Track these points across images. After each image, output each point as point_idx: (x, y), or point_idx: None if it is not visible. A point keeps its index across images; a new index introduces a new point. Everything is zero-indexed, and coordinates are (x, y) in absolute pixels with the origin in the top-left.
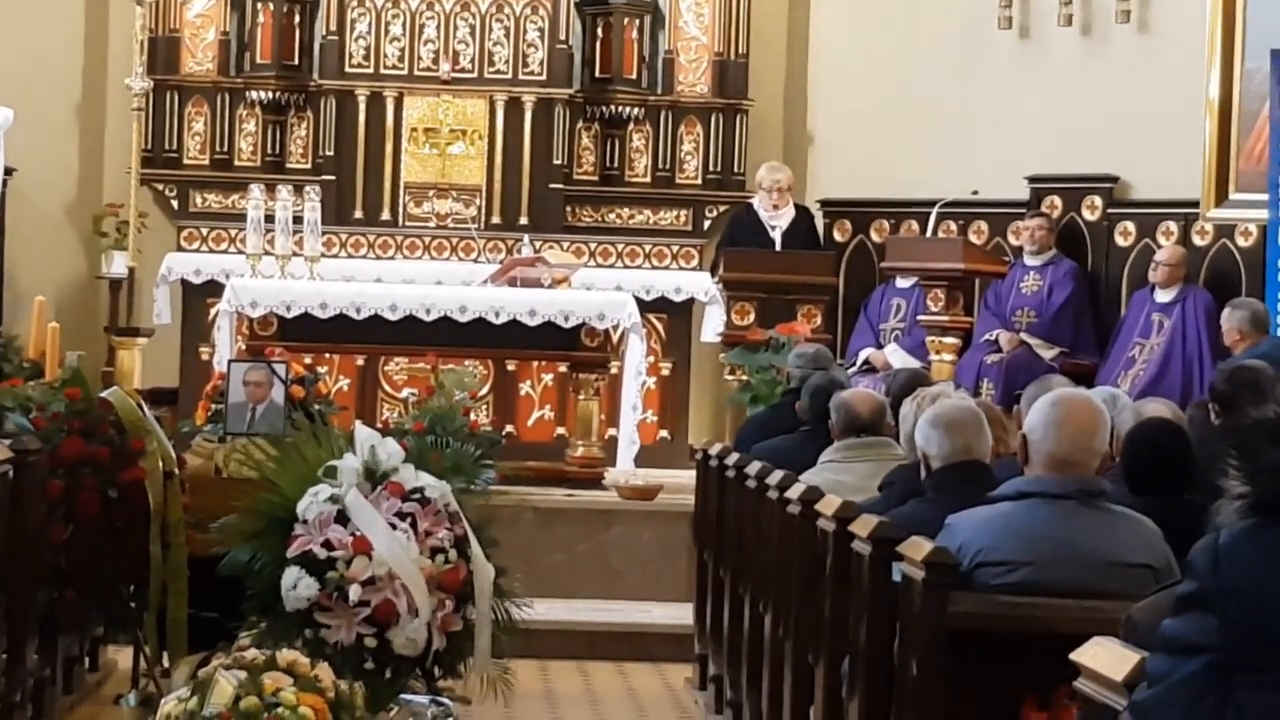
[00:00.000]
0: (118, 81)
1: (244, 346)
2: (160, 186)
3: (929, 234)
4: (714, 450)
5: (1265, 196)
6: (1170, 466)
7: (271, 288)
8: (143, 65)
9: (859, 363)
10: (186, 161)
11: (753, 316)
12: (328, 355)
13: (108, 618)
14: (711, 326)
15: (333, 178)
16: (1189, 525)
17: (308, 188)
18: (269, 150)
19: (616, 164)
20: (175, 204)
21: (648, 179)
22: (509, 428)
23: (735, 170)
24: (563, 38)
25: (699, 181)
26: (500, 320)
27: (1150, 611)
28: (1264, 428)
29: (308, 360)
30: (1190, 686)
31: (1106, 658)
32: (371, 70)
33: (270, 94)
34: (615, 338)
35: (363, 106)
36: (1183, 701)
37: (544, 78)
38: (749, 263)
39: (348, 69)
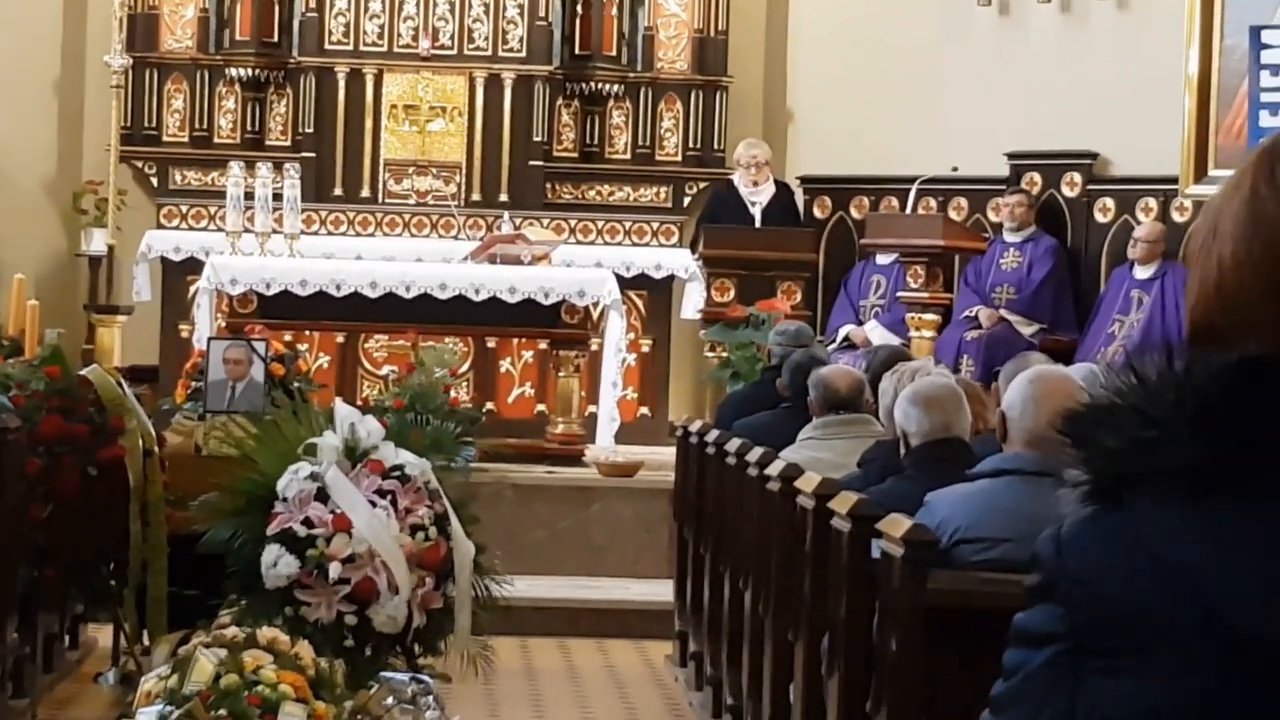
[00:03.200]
0: (97, 59)
1: (224, 324)
2: (139, 164)
3: (909, 210)
4: (694, 427)
5: None
6: None
7: (251, 265)
8: (122, 42)
9: (839, 339)
10: (166, 139)
11: (733, 293)
12: (307, 333)
13: (87, 596)
14: (691, 303)
15: (312, 155)
16: None
17: (287, 165)
18: (248, 127)
19: (596, 141)
20: (155, 181)
21: (628, 156)
22: (489, 405)
23: (715, 147)
24: (542, 14)
25: (679, 158)
26: (480, 297)
27: None
28: (1093, 413)
29: (287, 338)
30: (1041, 677)
31: None
32: (351, 47)
33: (250, 71)
34: (595, 315)
35: (342, 83)
36: (1035, 691)
37: (524, 54)
38: (729, 239)
39: (327, 46)
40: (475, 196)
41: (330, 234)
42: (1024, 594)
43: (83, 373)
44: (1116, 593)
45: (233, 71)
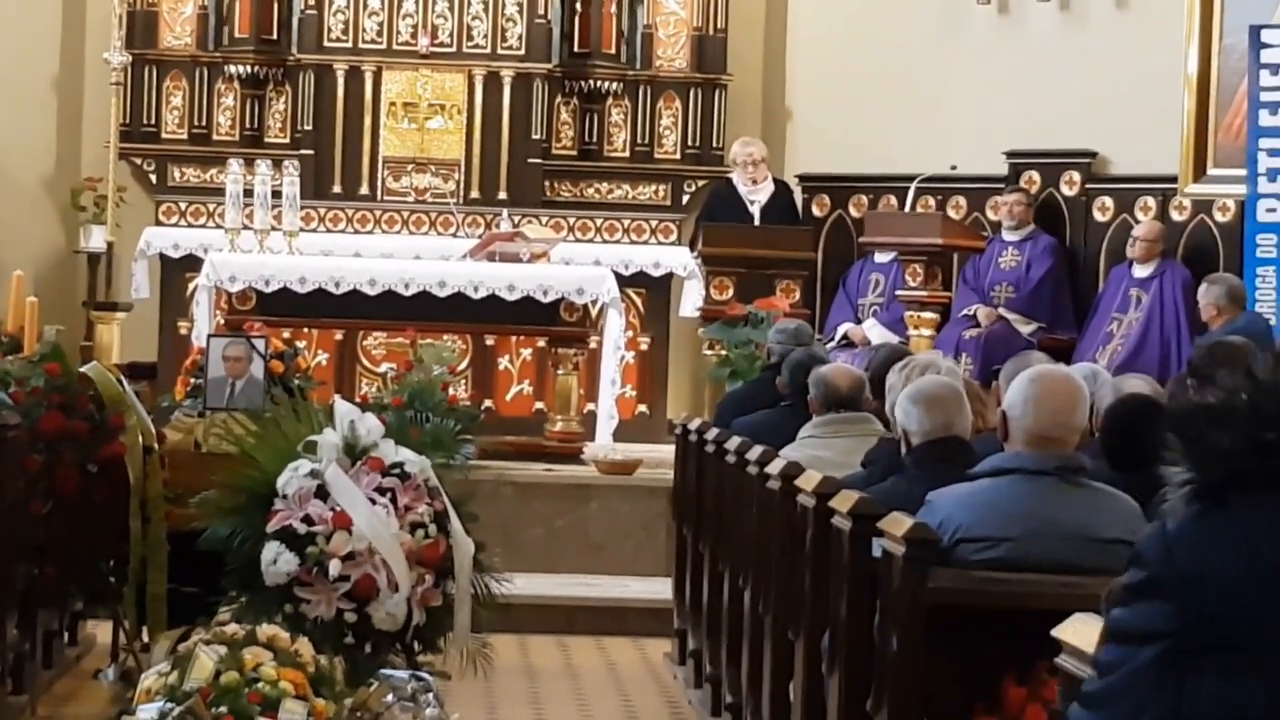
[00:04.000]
0: (96, 55)
1: (222, 321)
2: (138, 161)
3: (907, 209)
4: (693, 425)
5: (1243, 172)
6: (1149, 442)
7: (250, 262)
8: (121, 39)
9: (837, 338)
10: (165, 136)
11: (731, 291)
12: (306, 330)
13: (87, 593)
14: (690, 301)
15: (311, 152)
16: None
17: (286, 162)
18: (247, 125)
19: (595, 139)
20: (154, 178)
21: (626, 154)
22: (487, 402)
23: (714, 145)
24: (541, 12)
25: (677, 156)
26: (479, 295)
27: None
28: (1205, 411)
29: (286, 335)
30: (1147, 674)
31: (1088, 634)
32: (350, 44)
33: (248, 68)
34: (594, 312)
35: (341, 81)
36: (1137, 689)
37: (523, 52)
38: (728, 237)
39: (326, 43)
40: (474, 194)
41: (329, 231)
42: (1122, 591)
43: (83, 370)
44: (1227, 591)
45: (232, 69)
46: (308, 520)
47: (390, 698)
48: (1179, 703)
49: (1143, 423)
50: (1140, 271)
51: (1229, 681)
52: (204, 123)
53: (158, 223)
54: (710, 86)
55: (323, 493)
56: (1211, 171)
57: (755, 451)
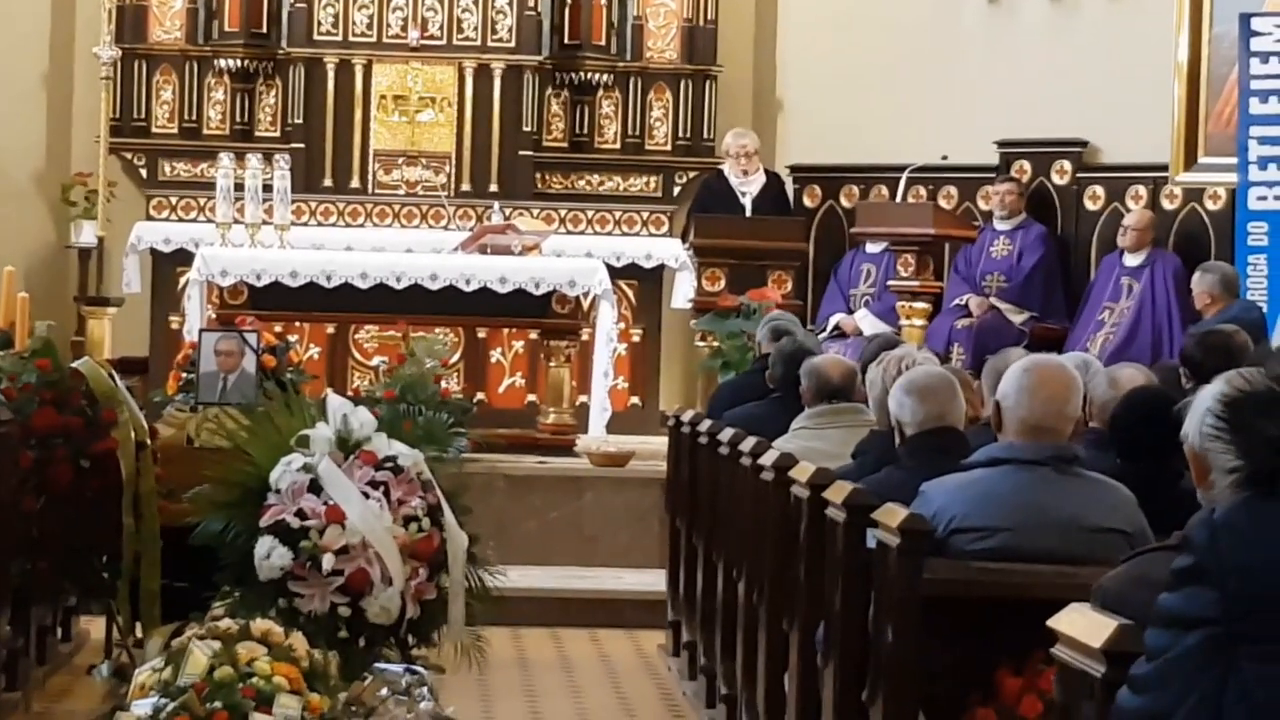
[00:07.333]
0: (86, 50)
1: (214, 315)
2: (129, 155)
3: (899, 199)
4: (686, 417)
5: (1234, 160)
6: (1164, 434)
7: (241, 256)
8: (111, 34)
9: (829, 328)
10: (155, 130)
11: (723, 282)
12: (298, 324)
13: (80, 588)
14: (682, 293)
15: (302, 146)
16: (1180, 491)
17: (277, 156)
18: (238, 118)
19: (586, 130)
20: (144, 173)
21: (617, 145)
22: (480, 395)
23: (705, 136)
24: (531, 4)
25: (668, 148)
26: (471, 288)
27: (1121, 580)
28: (1253, 400)
29: (278, 329)
30: (1192, 660)
31: (1084, 624)
32: (340, 38)
33: (238, 62)
34: (586, 304)
35: (331, 74)
36: (1185, 674)
37: (513, 44)
38: (719, 229)
39: (316, 36)
40: (465, 187)
41: (320, 225)
42: (1172, 576)
43: (74, 365)
44: (1273, 579)
45: (222, 63)
46: (301, 514)
47: (385, 691)
48: (1224, 688)
49: (1158, 415)
50: (1131, 260)
51: (1275, 668)
52: (194, 117)
53: (148, 217)
54: (701, 78)
55: (316, 487)
56: (1202, 160)
57: (748, 443)
